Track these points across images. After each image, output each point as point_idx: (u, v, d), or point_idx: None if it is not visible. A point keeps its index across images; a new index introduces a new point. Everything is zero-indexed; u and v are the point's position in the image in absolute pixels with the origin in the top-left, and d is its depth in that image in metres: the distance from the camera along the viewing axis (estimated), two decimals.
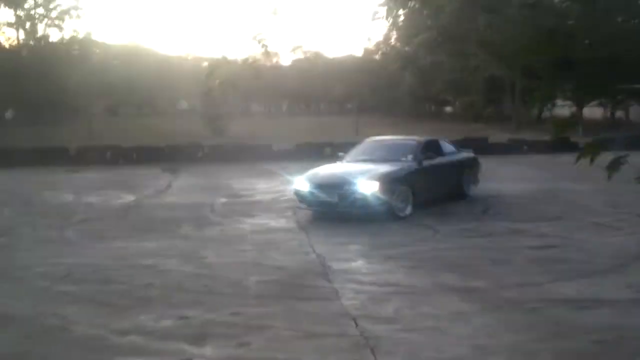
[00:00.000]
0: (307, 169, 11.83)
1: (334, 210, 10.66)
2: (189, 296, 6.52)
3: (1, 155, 21.37)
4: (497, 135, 27.63)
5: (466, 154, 13.68)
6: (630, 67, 28.26)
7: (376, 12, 53.56)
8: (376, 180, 10.51)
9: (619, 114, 40.84)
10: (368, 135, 27.79)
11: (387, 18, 52.69)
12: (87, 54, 46.01)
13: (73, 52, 45.04)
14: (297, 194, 11.18)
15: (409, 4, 45.34)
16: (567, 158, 20.83)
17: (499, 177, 16.00)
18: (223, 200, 13.47)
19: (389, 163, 11.33)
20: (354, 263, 7.83)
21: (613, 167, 2.52)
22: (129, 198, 13.86)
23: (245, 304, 6.21)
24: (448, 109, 59.56)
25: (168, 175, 18.23)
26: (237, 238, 9.48)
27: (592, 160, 2.59)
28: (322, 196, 10.71)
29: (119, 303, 6.33)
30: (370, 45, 64.24)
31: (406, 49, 53.03)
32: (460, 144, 22.69)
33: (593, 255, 7.91)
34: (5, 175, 18.18)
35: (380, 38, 61.02)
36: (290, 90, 67.81)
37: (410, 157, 11.60)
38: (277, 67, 65.62)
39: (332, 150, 22.23)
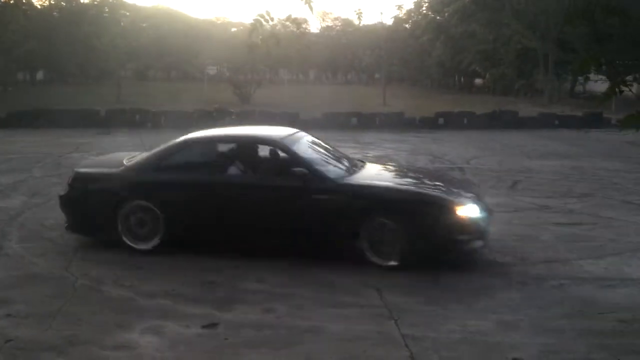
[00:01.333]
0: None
1: None
2: (215, 262, 6.61)
3: (32, 116, 21.68)
4: (528, 109, 27.23)
5: None
6: None
7: None
8: None
9: None
10: (396, 107, 27.41)
11: None
12: (117, 16, 46.09)
13: (103, 14, 45.17)
14: (474, 223, 6.43)
15: None
16: (599, 134, 20.46)
17: (528, 152, 15.80)
18: None
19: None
20: None
21: None
22: None
23: (270, 272, 6.28)
24: (478, 81, 58.70)
25: None
26: None
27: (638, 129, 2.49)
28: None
29: (146, 267, 6.45)
30: (401, 14, 63.30)
31: (438, 17, 52.18)
32: (489, 118, 22.53)
33: (621, 234, 7.81)
34: (36, 137, 18.46)
35: (412, 6, 60.03)
36: (318, 59, 67.41)
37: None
38: (306, 35, 65.17)
39: (358, 121, 22.18)
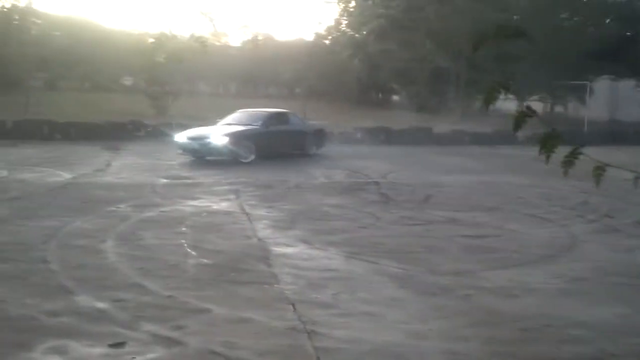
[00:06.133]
0: None
1: (198, 156, 16.32)
2: (123, 278, 6.42)
3: None
4: (441, 126, 28.12)
5: (312, 126, 19.46)
6: (569, 63, 29.20)
7: None
8: (226, 136, 16.07)
9: (559, 108, 42.01)
10: (316, 120, 27.85)
11: (338, 3, 52.77)
12: (28, 24, 44.13)
13: (13, 22, 43.16)
14: (177, 144, 16.52)
15: None
16: (506, 150, 21.41)
17: (440, 167, 16.32)
18: (164, 181, 13.27)
19: (244, 126, 16.85)
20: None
21: (568, 162, 2.41)
22: (66, 176, 13.47)
23: (181, 287, 6.16)
24: (395, 97, 60.09)
25: (107, 154, 17.81)
26: (176, 220, 9.36)
27: (548, 155, 2.44)
28: (192, 145, 16.16)
29: (51, 283, 6.18)
30: (321, 30, 64.06)
31: (356, 35, 53.19)
32: (405, 134, 23.16)
33: (525, 246, 8.19)
34: None
35: (332, 23, 60.90)
36: (238, 72, 67.04)
37: (259, 123, 17.09)
38: (227, 48, 64.95)
39: None
